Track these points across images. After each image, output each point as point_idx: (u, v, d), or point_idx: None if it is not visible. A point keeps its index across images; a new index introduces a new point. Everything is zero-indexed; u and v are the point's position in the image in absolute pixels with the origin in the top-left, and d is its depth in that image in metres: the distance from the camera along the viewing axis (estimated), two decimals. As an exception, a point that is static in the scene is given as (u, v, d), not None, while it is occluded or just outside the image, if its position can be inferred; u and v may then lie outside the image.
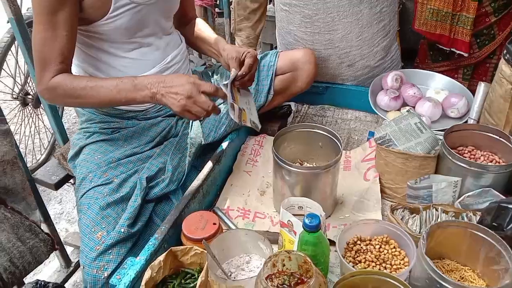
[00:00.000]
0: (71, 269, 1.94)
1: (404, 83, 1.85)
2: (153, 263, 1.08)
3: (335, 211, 1.43)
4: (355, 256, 1.17)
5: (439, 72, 1.99)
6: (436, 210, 1.26)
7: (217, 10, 3.28)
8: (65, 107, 2.94)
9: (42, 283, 1.33)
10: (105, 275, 1.16)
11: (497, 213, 1.09)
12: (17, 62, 2.48)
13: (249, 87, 1.66)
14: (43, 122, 2.74)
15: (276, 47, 2.18)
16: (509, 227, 1.06)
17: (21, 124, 2.56)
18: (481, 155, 1.42)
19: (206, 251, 1.07)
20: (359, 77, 1.96)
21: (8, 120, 1.33)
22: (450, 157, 1.32)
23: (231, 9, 2.41)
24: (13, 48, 2.42)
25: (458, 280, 1.10)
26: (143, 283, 1.04)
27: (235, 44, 2.96)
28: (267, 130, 1.78)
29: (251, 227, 1.37)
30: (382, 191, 1.46)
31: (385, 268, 1.13)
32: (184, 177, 1.42)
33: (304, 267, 0.97)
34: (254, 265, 1.16)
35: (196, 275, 1.12)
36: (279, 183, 1.38)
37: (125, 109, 1.46)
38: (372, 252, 1.17)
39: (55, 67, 1.24)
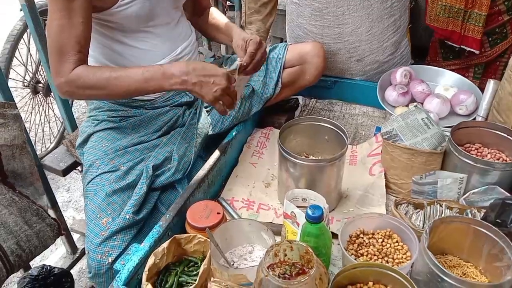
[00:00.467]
0: (77, 255, 1.97)
1: (413, 79, 1.84)
2: (156, 249, 1.09)
3: (340, 204, 1.43)
4: (358, 249, 1.17)
5: (450, 70, 1.97)
6: (441, 206, 1.26)
7: (228, 3, 3.28)
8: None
9: (48, 268, 1.36)
10: (110, 261, 1.18)
11: (501, 209, 1.09)
12: (29, 50, 2.50)
13: (257, 80, 1.67)
14: (53, 111, 2.77)
15: (286, 41, 2.18)
16: (513, 224, 1.05)
17: (31, 112, 2.59)
18: (488, 153, 1.41)
19: (209, 240, 1.08)
20: (368, 72, 1.95)
21: (19, 108, 1.35)
22: (457, 154, 1.32)
23: (242, 2, 2.41)
24: (25, 36, 2.44)
25: (461, 276, 1.10)
26: (146, 269, 1.05)
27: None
28: (274, 123, 1.79)
29: (255, 218, 1.37)
30: (387, 186, 1.46)
31: (387, 261, 1.14)
32: (190, 166, 1.43)
33: (306, 257, 0.97)
34: (256, 255, 1.17)
35: (199, 263, 1.13)
36: (284, 175, 1.38)
37: (133, 98, 1.48)
38: (374, 246, 1.18)
39: (74, 57, 1.22)
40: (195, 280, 1.03)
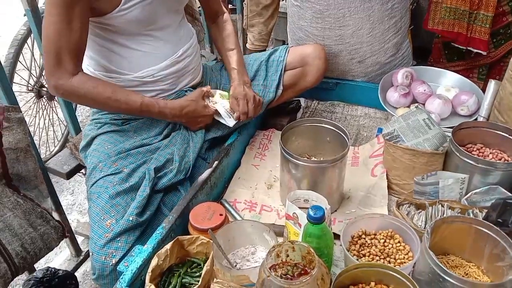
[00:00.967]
0: (81, 258, 1.98)
1: (415, 80, 1.84)
2: (160, 251, 1.10)
3: (342, 206, 1.44)
4: (360, 250, 1.18)
5: (454, 71, 1.97)
6: (442, 206, 1.26)
7: (230, 6, 3.30)
8: (78, 100, 2.97)
9: (53, 270, 1.36)
10: (113, 262, 1.18)
11: (503, 209, 1.09)
12: (32, 54, 2.52)
13: (257, 83, 1.68)
14: (57, 115, 2.78)
15: (288, 43, 2.19)
16: (515, 223, 1.05)
17: (35, 116, 2.61)
18: (490, 153, 1.41)
19: (212, 241, 1.09)
20: (369, 74, 1.96)
21: (23, 112, 1.36)
22: (458, 154, 1.32)
23: (243, 5, 2.42)
24: (29, 41, 2.46)
25: (463, 276, 1.10)
26: (149, 270, 1.06)
27: (247, 39, 2.98)
28: (276, 125, 1.80)
29: (258, 220, 1.38)
30: (389, 187, 1.46)
31: (389, 262, 1.14)
32: (191, 167, 1.44)
33: (308, 258, 0.98)
34: (259, 256, 1.17)
35: (202, 265, 1.13)
36: (286, 176, 1.39)
37: None
38: (376, 246, 1.18)
39: (72, 62, 1.26)
40: (198, 281, 1.04)
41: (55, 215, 1.71)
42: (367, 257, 1.16)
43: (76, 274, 1.88)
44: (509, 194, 1.24)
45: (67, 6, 1.20)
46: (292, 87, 1.74)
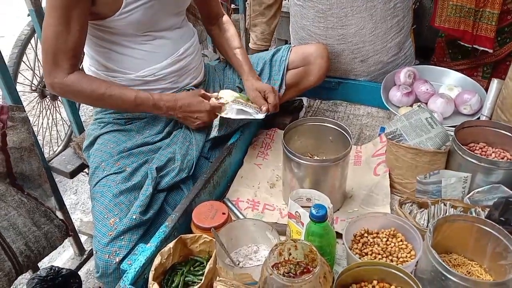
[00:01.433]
0: (85, 257, 1.99)
1: (417, 79, 1.84)
2: (163, 249, 1.11)
3: (344, 205, 1.44)
4: (362, 248, 1.18)
5: (458, 70, 1.97)
6: (445, 205, 1.26)
7: (232, 6, 3.30)
8: (82, 100, 2.99)
9: (56, 269, 1.38)
10: (117, 260, 1.19)
11: (505, 208, 1.09)
12: (36, 55, 2.54)
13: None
14: (60, 114, 2.80)
15: (290, 43, 2.19)
16: (517, 222, 1.05)
17: (39, 116, 2.62)
18: (493, 152, 1.41)
19: (214, 240, 1.09)
20: (372, 73, 1.96)
21: (26, 112, 1.37)
22: (460, 153, 1.32)
23: (246, 4, 2.43)
24: (32, 41, 2.47)
25: (465, 275, 1.10)
26: (152, 268, 1.07)
27: (250, 39, 2.98)
28: (278, 124, 1.80)
29: (260, 219, 1.38)
30: (391, 186, 1.46)
31: (392, 260, 1.14)
32: (194, 165, 1.44)
33: (310, 256, 0.98)
34: (262, 255, 1.18)
35: (205, 263, 1.14)
36: (289, 175, 1.39)
37: None
38: (379, 245, 1.18)
39: (68, 61, 1.28)
40: (201, 279, 1.04)
41: (59, 214, 1.72)
42: (369, 256, 1.16)
43: (79, 273, 1.89)
44: (511, 192, 1.24)
45: (65, 9, 1.21)
46: (295, 86, 1.74)
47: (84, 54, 1.48)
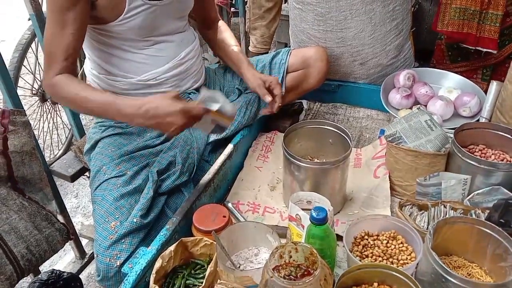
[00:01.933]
0: (86, 260, 1.99)
1: (417, 82, 1.85)
2: (164, 253, 1.11)
3: (344, 207, 1.44)
4: (362, 251, 1.18)
5: (457, 72, 1.97)
6: (445, 207, 1.26)
7: (232, 9, 3.31)
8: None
9: (58, 272, 1.37)
10: (118, 264, 1.19)
11: (505, 210, 1.10)
12: (37, 58, 2.54)
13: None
14: (61, 118, 2.80)
15: (290, 46, 2.20)
16: (517, 223, 1.06)
17: (39, 120, 2.63)
18: (492, 154, 1.42)
19: (215, 243, 1.10)
20: (371, 76, 1.96)
21: (27, 116, 1.38)
22: (460, 155, 1.32)
23: (246, 8, 2.43)
24: (33, 45, 2.48)
25: (466, 277, 1.11)
26: (153, 272, 1.07)
27: (249, 42, 2.99)
28: (278, 127, 1.81)
29: (261, 221, 1.38)
30: (391, 189, 1.46)
31: (392, 263, 1.15)
32: (195, 168, 1.45)
33: (311, 259, 0.98)
34: (262, 258, 1.18)
35: (206, 266, 1.14)
36: (289, 178, 1.39)
37: None
38: (379, 247, 1.18)
39: (60, 63, 1.28)
40: (202, 282, 1.05)
41: (60, 218, 1.73)
42: (370, 258, 1.16)
43: (80, 276, 1.89)
44: (511, 194, 1.24)
45: (60, 12, 1.23)
46: (295, 89, 1.75)
47: (85, 58, 1.49)
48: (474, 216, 1.22)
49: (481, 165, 1.29)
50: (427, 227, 1.24)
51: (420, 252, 1.10)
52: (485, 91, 1.72)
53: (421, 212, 1.28)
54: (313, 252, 0.97)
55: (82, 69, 2.43)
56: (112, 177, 1.36)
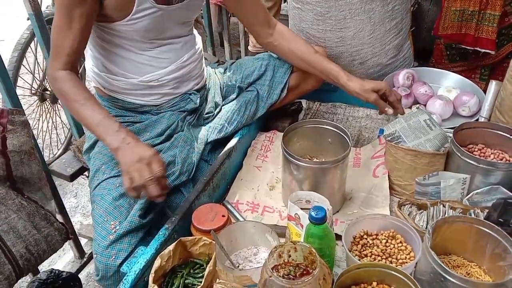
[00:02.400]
0: (85, 260, 1.99)
1: (416, 81, 1.85)
2: (162, 252, 1.11)
3: (344, 207, 1.44)
4: (361, 250, 1.18)
5: (456, 72, 1.97)
6: (444, 206, 1.26)
7: (224, 2, 3.30)
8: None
9: (57, 272, 1.37)
10: (117, 263, 1.19)
11: (504, 209, 1.10)
12: (36, 58, 2.54)
13: (264, 83, 1.69)
14: (60, 118, 2.80)
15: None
16: (516, 223, 1.06)
17: (39, 119, 2.62)
18: (491, 153, 1.42)
19: (214, 242, 1.10)
20: (371, 75, 1.96)
21: (26, 115, 1.38)
22: (459, 154, 1.32)
23: (245, 7, 2.43)
24: (32, 45, 2.48)
25: (465, 276, 1.11)
26: (152, 271, 1.07)
27: (249, 42, 2.99)
28: (277, 127, 1.80)
29: (260, 221, 1.38)
30: (390, 188, 1.46)
31: (391, 262, 1.15)
32: (194, 168, 1.44)
33: (310, 258, 0.98)
34: (261, 257, 1.18)
35: (205, 266, 1.14)
36: (288, 177, 1.39)
37: (140, 104, 1.50)
38: (378, 247, 1.18)
39: (64, 57, 1.29)
40: (201, 282, 1.04)
41: (59, 217, 1.73)
42: (368, 258, 1.16)
43: (79, 276, 1.89)
44: (510, 194, 1.24)
45: (69, 6, 1.23)
46: (294, 90, 1.74)
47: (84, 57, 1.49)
48: (473, 215, 1.22)
49: (480, 165, 1.29)
50: (426, 227, 1.24)
51: (419, 251, 1.10)
52: (484, 91, 1.72)
53: (420, 212, 1.29)
54: (312, 252, 0.97)
55: (81, 67, 2.43)
56: (111, 177, 1.36)
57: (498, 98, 1.52)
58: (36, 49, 2.51)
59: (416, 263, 1.10)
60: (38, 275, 1.31)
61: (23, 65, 2.42)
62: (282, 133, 1.41)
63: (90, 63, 1.49)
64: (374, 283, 1.03)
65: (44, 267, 2.00)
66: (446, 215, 1.24)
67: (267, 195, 1.51)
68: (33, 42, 2.46)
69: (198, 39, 1.62)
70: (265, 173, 1.60)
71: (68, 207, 2.41)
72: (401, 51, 1.94)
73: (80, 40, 1.29)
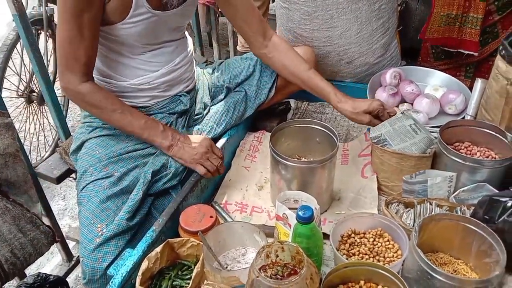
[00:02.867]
0: (73, 263, 1.97)
1: (403, 80, 1.86)
2: (150, 254, 1.10)
3: (332, 206, 1.45)
4: (349, 249, 1.19)
5: (442, 70, 1.99)
6: (431, 204, 1.27)
7: (219, 9, 3.30)
8: (69, 106, 2.97)
9: (44, 275, 1.36)
10: (104, 266, 1.18)
11: (489, 206, 1.10)
12: (22, 59, 2.51)
13: (251, 83, 1.68)
14: (47, 119, 2.77)
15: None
16: (501, 219, 1.07)
17: (26, 121, 2.60)
18: (478, 151, 1.43)
19: (202, 243, 1.09)
20: (358, 74, 1.97)
21: (13, 118, 1.36)
22: (446, 152, 1.33)
23: (233, 7, 2.42)
24: (18, 46, 2.45)
25: (451, 273, 1.11)
26: (139, 273, 1.06)
27: (238, 42, 2.99)
28: (266, 127, 1.80)
29: (248, 221, 1.38)
30: (378, 188, 1.47)
31: (379, 260, 1.15)
32: (186, 171, 1.44)
33: (297, 258, 0.98)
34: (250, 258, 1.18)
35: (193, 267, 1.14)
36: (276, 177, 1.39)
37: (128, 105, 1.49)
38: (366, 245, 1.19)
39: (82, 68, 1.29)
40: (189, 283, 1.04)
41: (46, 220, 1.71)
42: (356, 256, 1.17)
43: (68, 279, 1.87)
44: (496, 191, 1.25)
45: (76, 13, 1.22)
46: (282, 89, 1.74)
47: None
48: (459, 213, 1.23)
49: (466, 162, 1.30)
50: (413, 225, 1.25)
51: (406, 249, 1.10)
52: (469, 88, 1.73)
53: (407, 210, 1.29)
54: (299, 251, 0.97)
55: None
56: (98, 179, 1.34)
57: (484, 96, 1.54)
58: (22, 51, 2.48)
59: (404, 261, 1.10)
60: (25, 279, 1.30)
61: (9, 67, 2.40)
62: (270, 133, 1.41)
63: None
64: (362, 282, 1.03)
65: (32, 270, 1.98)
66: (433, 213, 1.25)
67: (256, 195, 1.51)
68: (19, 43, 2.43)
69: (190, 42, 1.61)
70: (253, 173, 1.60)
71: (56, 210, 2.39)
72: (388, 50, 1.94)
73: (94, 46, 1.30)
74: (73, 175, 1.80)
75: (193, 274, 1.05)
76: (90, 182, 1.34)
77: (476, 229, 1.08)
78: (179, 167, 1.41)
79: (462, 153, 1.38)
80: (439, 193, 1.34)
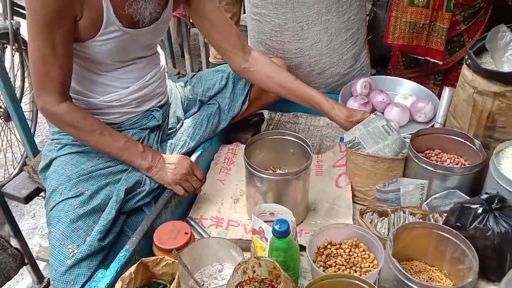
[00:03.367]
0: (44, 284, 1.90)
1: (373, 90, 1.89)
2: (124, 274, 1.07)
3: (308, 217, 1.45)
4: (326, 260, 1.19)
5: (411, 78, 2.03)
6: (404, 212, 1.29)
7: (191, 20, 3.30)
8: (38, 120, 2.89)
9: (13, 299, 1.31)
10: (76, 289, 1.15)
11: (460, 213, 1.13)
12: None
13: (224, 96, 1.68)
14: (15, 135, 2.69)
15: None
16: (472, 226, 1.09)
17: (-8, 138, 2.52)
18: (448, 158, 1.46)
19: (177, 261, 1.07)
20: (329, 85, 1.99)
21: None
22: (417, 160, 1.36)
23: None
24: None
25: (427, 281, 1.13)
26: (113, 295, 1.03)
27: (210, 53, 2.98)
28: (240, 138, 1.80)
29: (224, 236, 1.37)
30: (352, 195, 1.48)
31: (355, 271, 1.15)
32: (160, 188, 1.42)
33: (274, 272, 0.98)
34: (226, 273, 1.16)
35: (168, 286, 1.11)
36: (252, 190, 1.39)
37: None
38: (342, 256, 1.19)
39: (57, 87, 1.26)
40: (164, 303, 1.02)
41: (14, 242, 1.64)
42: (333, 268, 1.17)
43: (38, 302, 1.81)
44: (467, 197, 1.28)
45: (48, 31, 1.18)
46: (256, 101, 1.75)
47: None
48: (432, 220, 1.25)
49: (437, 170, 1.32)
50: (388, 233, 1.26)
51: (382, 259, 1.11)
52: (438, 96, 1.77)
53: (381, 219, 1.30)
54: (276, 266, 0.96)
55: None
56: (68, 198, 1.31)
57: (452, 104, 1.57)
58: (-13, 66, 2.41)
59: (380, 271, 1.11)
60: (-8, 305, 1.25)
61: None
62: (245, 145, 1.41)
63: None
64: (339, 294, 1.03)
65: (0, 294, 1.91)
66: (406, 221, 1.26)
67: (232, 208, 1.50)
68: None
69: (162, 56, 1.59)
70: (229, 186, 1.59)
71: (26, 229, 2.31)
72: (358, 60, 1.98)
73: (69, 64, 1.27)
74: (42, 194, 1.74)
75: (169, 294, 1.02)
76: (60, 202, 1.31)
77: (449, 236, 1.10)
78: (153, 185, 1.39)
79: (432, 160, 1.41)
80: (411, 201, 1.36)
